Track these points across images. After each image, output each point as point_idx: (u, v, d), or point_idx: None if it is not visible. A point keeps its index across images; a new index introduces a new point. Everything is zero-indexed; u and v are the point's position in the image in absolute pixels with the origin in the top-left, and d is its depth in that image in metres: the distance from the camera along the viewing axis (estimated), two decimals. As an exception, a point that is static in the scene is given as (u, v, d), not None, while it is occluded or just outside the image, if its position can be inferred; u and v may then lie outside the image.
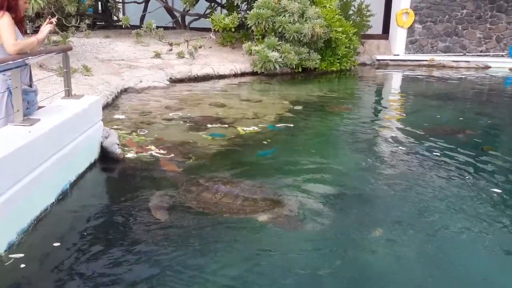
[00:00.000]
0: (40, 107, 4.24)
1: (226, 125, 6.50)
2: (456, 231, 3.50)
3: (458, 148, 5.56)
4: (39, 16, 10.12)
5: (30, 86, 4.01)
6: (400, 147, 5.67)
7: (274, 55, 10.73)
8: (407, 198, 4.09)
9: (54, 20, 4.00)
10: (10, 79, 3.63)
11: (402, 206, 3.92)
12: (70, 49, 4.90)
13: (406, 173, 4.74)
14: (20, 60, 3.53)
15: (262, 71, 10.95)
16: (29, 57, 3.76)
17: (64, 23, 10.68)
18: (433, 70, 13.80)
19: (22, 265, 2.91)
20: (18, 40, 3.61)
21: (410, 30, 14.95)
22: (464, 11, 14.90)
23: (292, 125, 6.65)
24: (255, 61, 11.04)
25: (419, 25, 14.95)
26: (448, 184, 4.40)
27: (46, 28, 3.93)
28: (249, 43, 11.42)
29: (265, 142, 5.78)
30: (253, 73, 11.27)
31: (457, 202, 4.00)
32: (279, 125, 6.67)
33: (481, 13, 14.87)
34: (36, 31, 8.83)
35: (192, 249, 3.15)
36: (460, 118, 7.50)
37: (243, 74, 11.28)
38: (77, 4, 10.16)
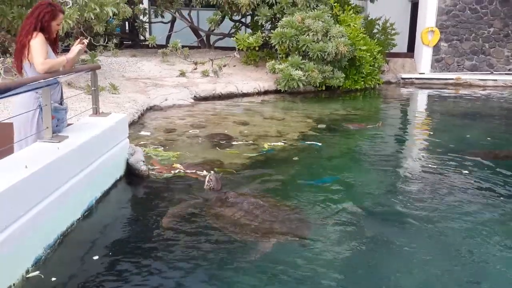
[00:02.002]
0: (68, 124, 4.32)
1: (251, 141, 6.53)
2: (490, 264, 3.31)
3: (490, 170, 5.37)
4: (68, 35, 10.42)
5: (61, 104, 4.09)
6: (428, 167, 5.55)
7: (297, 73, 10.75)
8: (435, 222, 3.97)
9: (85, 41, 4.06)
10: (41, 97, 3.71)
11: (429, 231, 3.80)
12: (99, 68, 5.01)
13: (435, 194, 4.61)
14: (51, 78, 3.61)
15: (286, 89, 10.97)
16: (60, 76, 3.85)
17: (93, 42, 10.97)
18: (460, 88, 13.59)
19: (48, 281, 2.93)
20: (47, 59, 3.70)
21: (436, 48, 14.81)
22: (491, 29, 14.70)
23: (320, 143, 6.59)
24: (279, 79, 11.08)
25: (445, 43, 14.81)
26: (482, 209, 4.22)
27: (76, 47, 3.99)
28: (273, 61, 11.48)
29: (296, 158, 5.79)
30: (276, 91, 11.31)
31: (491, 230, 3.81)
32: (309, 142, 6.65)
33: (509, 31, 14.64)
34: (66, 50, 9.08)
35: (205, 270, 3.14)
36: (488, 138, 7.32)
37: (266, 92, 11.33)
38: (105, 24, 10.44)
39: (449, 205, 4.30)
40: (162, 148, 6.06)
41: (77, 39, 4.11)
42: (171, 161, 5.47)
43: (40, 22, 3.71)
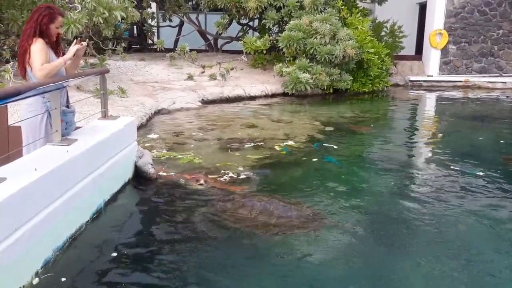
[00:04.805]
0: (77, 128, 4.35)
1: (260, 144, 6.54)
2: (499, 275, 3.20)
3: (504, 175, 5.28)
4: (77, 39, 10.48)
5: (68, 107, 4.11)
6: (443, 170, 5.46)
7: (305, 76, 10.75)
8: (445, 223, 3.94)
9: (84, 43, 4.04)
10: (48, 101, 3.74)
11: (440, 237, 3.75)
12: (107, 71, 5.04)
13: (447, 200, 4.51)
14: (61, 82, 3.64)
15: (293, 92, 10.98)
16: (69, 79, 3.88)
17: (101, 46, 11.04)
18: (468, 91, 13.50)
19: (57, 283, 2.95)
20: (44, 65, 3.67)
21: (444, 51, 14.74)
22: (500, 31, 14.61)
23: (336, 147, 6.57)
24: (286, 82, 11.09)
25: (453, 46, 14.74)
26: (495, 217, 4.13)
27: (74, 48, 3.93)
28: (280, 64, 11.49)
29: (304, 159, 5.84)
30: (284, 94, 11.32)
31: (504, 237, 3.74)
32: (325, 144, 6.68)
33: (518, 33, 14.54)
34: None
35: (225, 268, 3.15)
36: (501, 141, 7.24)
37: (273, 95, 11.34)
38: (113, 28, 10.50)
39: (462, 207, 4.26)
40: (167, 150, 6.08)
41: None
42: (192, 165, 5.49)
43: (39, 25, 3.72)
